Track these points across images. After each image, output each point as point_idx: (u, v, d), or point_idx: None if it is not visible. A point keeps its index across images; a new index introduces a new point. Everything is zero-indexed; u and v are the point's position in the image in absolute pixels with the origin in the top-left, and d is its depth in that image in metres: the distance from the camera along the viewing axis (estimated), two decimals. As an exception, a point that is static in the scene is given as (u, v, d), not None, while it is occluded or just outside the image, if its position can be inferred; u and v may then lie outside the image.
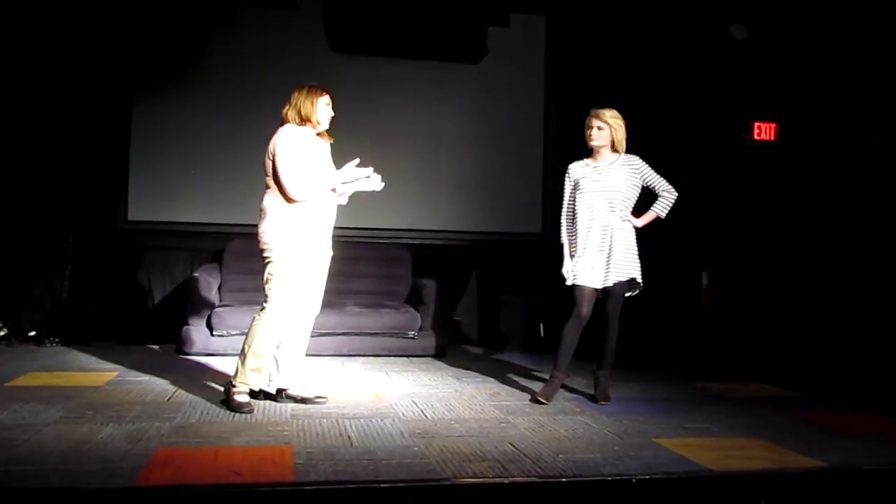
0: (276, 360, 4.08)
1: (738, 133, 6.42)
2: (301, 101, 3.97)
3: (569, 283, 4.34)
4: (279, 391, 4.10)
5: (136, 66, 6.30)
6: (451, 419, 3.88)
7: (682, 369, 5.58)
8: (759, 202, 6.36)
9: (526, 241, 6.83)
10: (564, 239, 4.45)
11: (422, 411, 4.03)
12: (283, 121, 4.00)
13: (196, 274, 5.76)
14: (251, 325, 3.93)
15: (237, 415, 3.79)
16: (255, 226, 3.99)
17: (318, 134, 4.08)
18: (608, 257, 4.26)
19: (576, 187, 4.40)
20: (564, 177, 4.48)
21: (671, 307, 6.44)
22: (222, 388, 4.07)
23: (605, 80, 6.57)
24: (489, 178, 6.84)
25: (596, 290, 4.31)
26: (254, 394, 4.01)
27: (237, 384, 3.92)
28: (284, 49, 6.44)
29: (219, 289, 5.96)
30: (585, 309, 4.29)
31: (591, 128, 4.34)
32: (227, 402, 3.92)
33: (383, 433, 3.56)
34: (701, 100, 6.56)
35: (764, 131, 6.37)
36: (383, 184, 4.09)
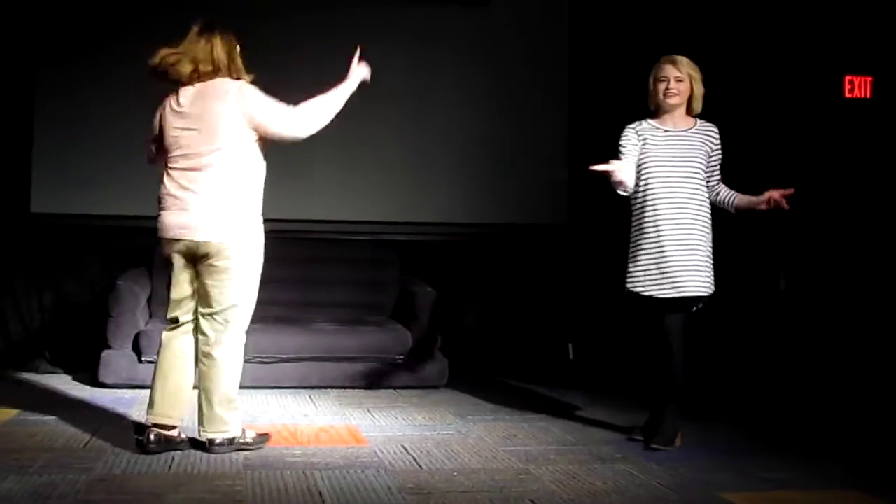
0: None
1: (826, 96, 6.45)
2: (233, 50, 4.01)
3: (629, 288, 4.29)
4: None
5: (42, 24, 6.29)
6: (452, 469, 3.87)
7: (753, 402, 5.59)
8: (851, 175, 6.38)
9: (547, 236, 6.82)
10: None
11: (414, 459, 4.02)
12: (216, 71, 3.97)
13: (119, 282, 5.74)
14: (212, 364, 3.97)
15: (174, 466, 3.78)
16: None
17: None
18: (685, 261, 4.20)
19: (639, 157, 4.30)
20: (622, 137, 4.34)
21: (736, 320, 6.43)
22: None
23: (652, 28, 6.53)
24: (499, 155, 6.83)
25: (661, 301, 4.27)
26: (170, 436, 4.02)
27: (240, 430, 4.01)
28: None
29: (148, 301, 5.94)
30: (661, 327, 4.27)
31: (666, 79, 4.26)
32: (235, 447, 3.98)
33: (364, 488, 3.54)
34: (780, 50, 6.55)
35: (858, 86, 6.38)
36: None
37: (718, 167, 4.37)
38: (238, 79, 4.00)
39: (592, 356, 6.53)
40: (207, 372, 3.99)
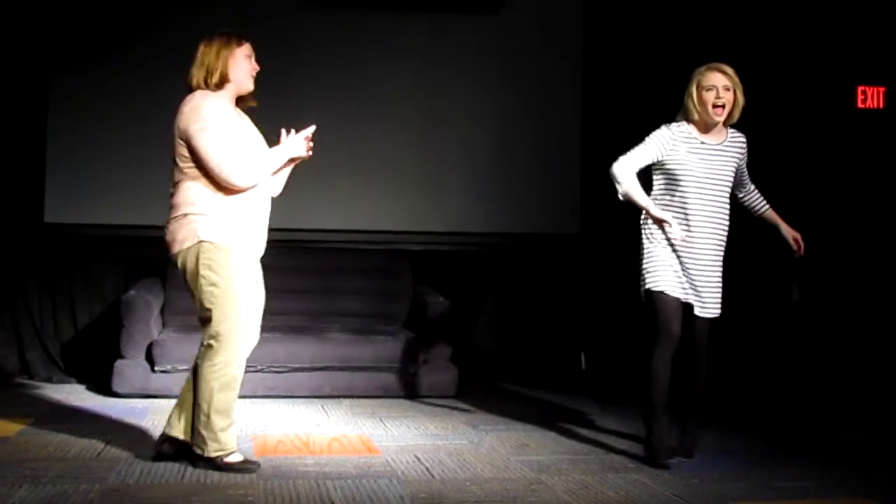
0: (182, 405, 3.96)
1: (839, 107, 6.43)
2: (212, 56, 3.90)
3: (649, 286, 4.17)
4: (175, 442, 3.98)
5: (54, 34, 6.32)
6: (465, 479, 3.87)
7: (766, 412, 5.58)
8: (864, 185, 6.37)
9: (559, 245, 6.81)
10: (638, 191, 4.12)
11: (427, 469, 4.03)
12: (190, 87, 3.93)
13: (132, 291, 5.77)
14: (200, 375, 3.83)
15: (186, 476, 3.79)
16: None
17: (237, 104, 4.01)
18: (709, 278, 4.17)
19: (670, 164, 4.17)
20: (654, 135, 4.17)
21: (750, 330, 6.41)
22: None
23: (665, 39, 6.54)
24: (510, 164, 6.83)
25: (682, 304, 4.20)
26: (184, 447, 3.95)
27: (214, 454, 3.82)
28: (244, 6, 6.44)
29: (161, 311, 5.96)
30: (675, 327, 4.13)
31: (714, 87, 4.08)
32: (220, 468, 3.83)
33: (377, 497, 3.55)
34: (794, 60, 6.53)
35: (870, 97, 6.37)
36: (306, 148, 4.02)
37: (746, 168, 4.34)
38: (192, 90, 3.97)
39: (605, 366, 6.52)
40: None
